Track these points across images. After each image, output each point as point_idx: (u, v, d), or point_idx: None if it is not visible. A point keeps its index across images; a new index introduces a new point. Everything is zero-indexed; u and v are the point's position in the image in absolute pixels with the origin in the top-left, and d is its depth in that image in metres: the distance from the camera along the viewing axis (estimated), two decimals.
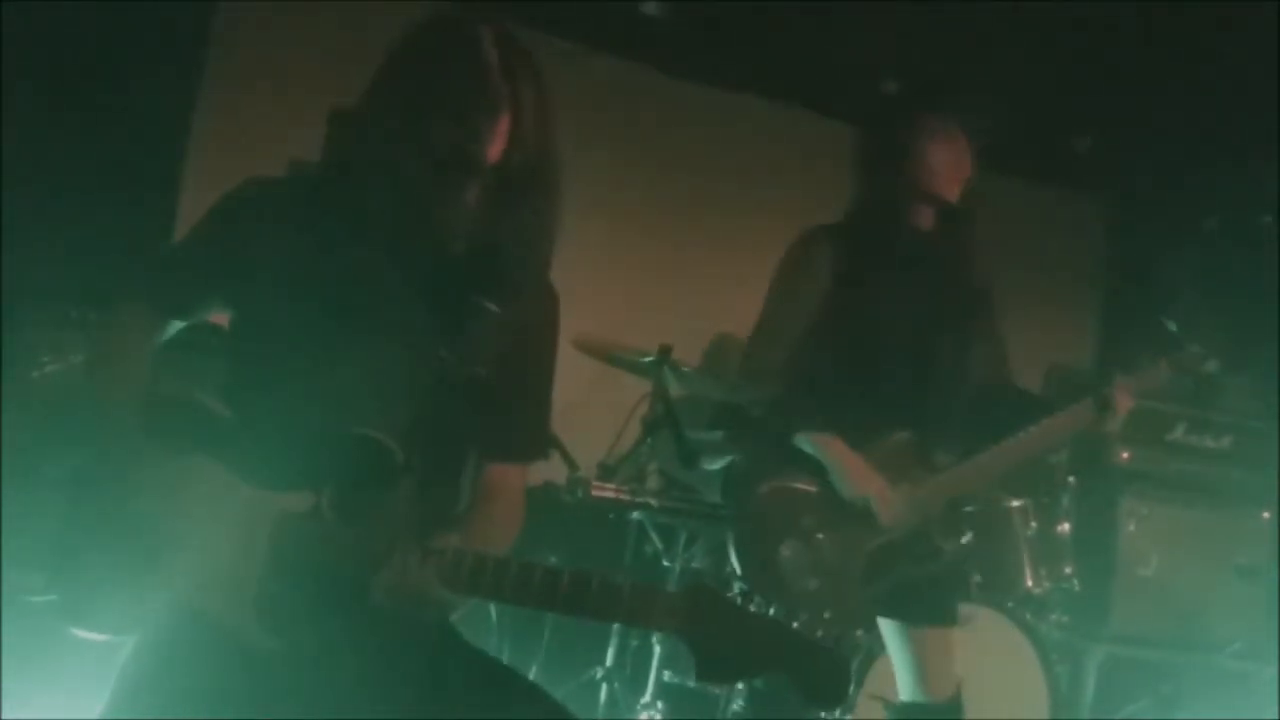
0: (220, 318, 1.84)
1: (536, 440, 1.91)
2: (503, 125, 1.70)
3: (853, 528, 2.53)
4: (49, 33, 3.64)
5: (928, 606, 2.64)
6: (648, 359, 3.78)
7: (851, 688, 2.92)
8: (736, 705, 3.41)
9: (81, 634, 1.63)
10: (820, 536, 2.52)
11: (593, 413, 3.97)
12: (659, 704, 3.56)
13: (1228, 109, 4.40)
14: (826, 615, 2.47)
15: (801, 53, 4.68)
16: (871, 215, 2.66)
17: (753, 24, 4.47)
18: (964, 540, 2.62)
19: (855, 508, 2.53)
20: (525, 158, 1.72)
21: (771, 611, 2.46)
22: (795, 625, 2.39)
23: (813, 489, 2.57)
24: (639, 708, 3.57)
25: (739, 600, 1.57)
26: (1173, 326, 2.75)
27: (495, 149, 1.70)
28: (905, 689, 2.67)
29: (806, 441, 2.57)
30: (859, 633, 2.84)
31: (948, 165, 2.62)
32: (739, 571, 2.56)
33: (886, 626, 2.67)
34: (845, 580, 2.51)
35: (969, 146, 2.64)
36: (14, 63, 3.46)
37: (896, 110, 2.71)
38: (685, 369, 3.82)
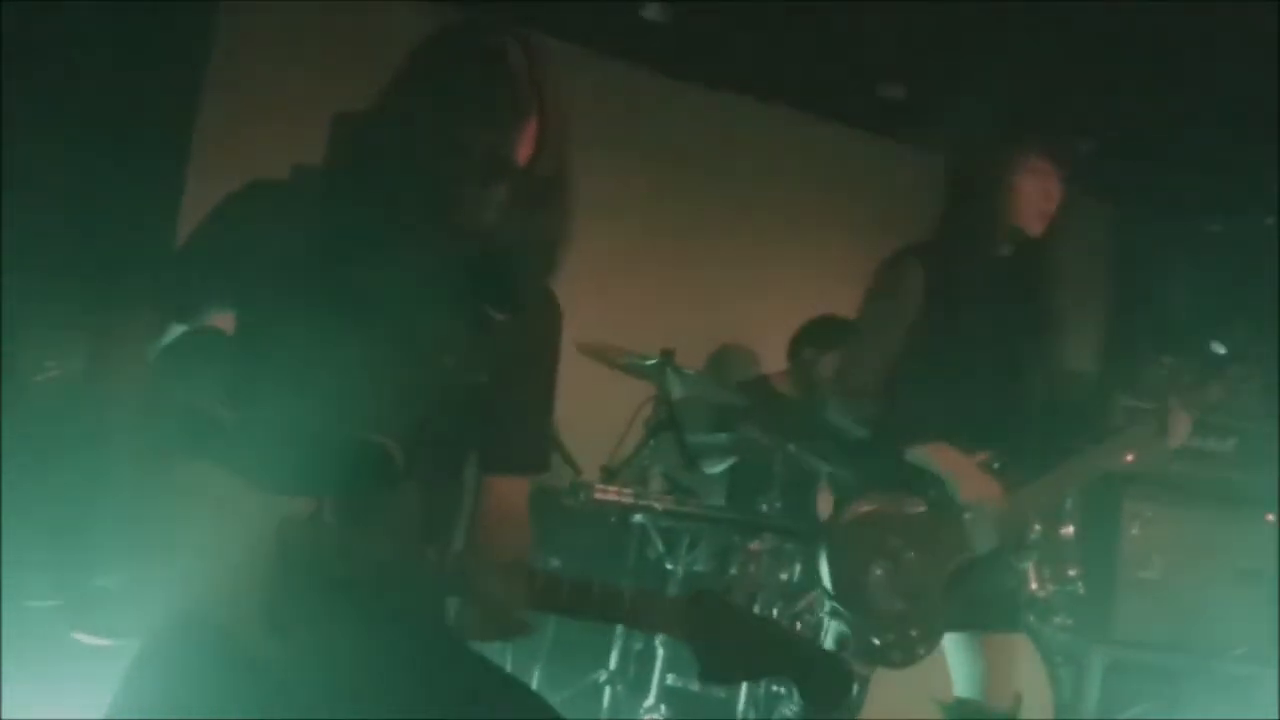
0: (223, 321, 1.84)
1: (538, 452, 1.90)
2: (530, 131, 1.72)
3: (938, 546, 2.60)
4: (52, 35, 3.65)
5: (998, 614, 2.70)
6: (650, 362, 3.79)
7: (854, 691, 2.93)
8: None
9: (83, 639, 1.63)
10: (909, 556, 2.59)
11: (595, 416, 3.96)
12: (662, 707, 3.56)
13: (1231, 112, 4.40)
14: (913, 633, 2.55)
15: (803, 56, 4.68)
16: (958, 242, 2.71)
17: (754, 27, 4.47)
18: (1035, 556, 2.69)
19: (944, 522, 2.59)
20: (548, 165, 1.74)
21: (857, 630, 2.54)
22: (879, 642, 2.49)
23: (901, 509, 2.63)
24: (642, 711, 3.57)
25: (745, 606, 1.57)
26: (1221, 349, 2.83)
27: (524, 153, 1.71)
28: (965, 690, 2.71)
29: (917, 454, 2.62)
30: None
31: (1035, 199, 2.69)
32: (831, 592, 2.61)
33: (953, 636, 2.71)
34: (929, 598, 2.58)
35: (1058, 179, 2.70)
36: (17, 65, 3.47)
37: (993, 142, 2.75)
38: (688, 372, 3.82)
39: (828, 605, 2.66)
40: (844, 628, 2.59)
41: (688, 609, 1.56)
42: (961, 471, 2.60)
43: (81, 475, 1.68)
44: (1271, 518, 4.21)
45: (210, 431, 1.70)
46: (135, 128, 3.81)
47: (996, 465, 2.67)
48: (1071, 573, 3.53)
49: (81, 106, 3.68)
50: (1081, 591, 3.56)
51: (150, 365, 1.81)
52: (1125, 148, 5.00)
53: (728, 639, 1.54)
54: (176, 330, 1.86)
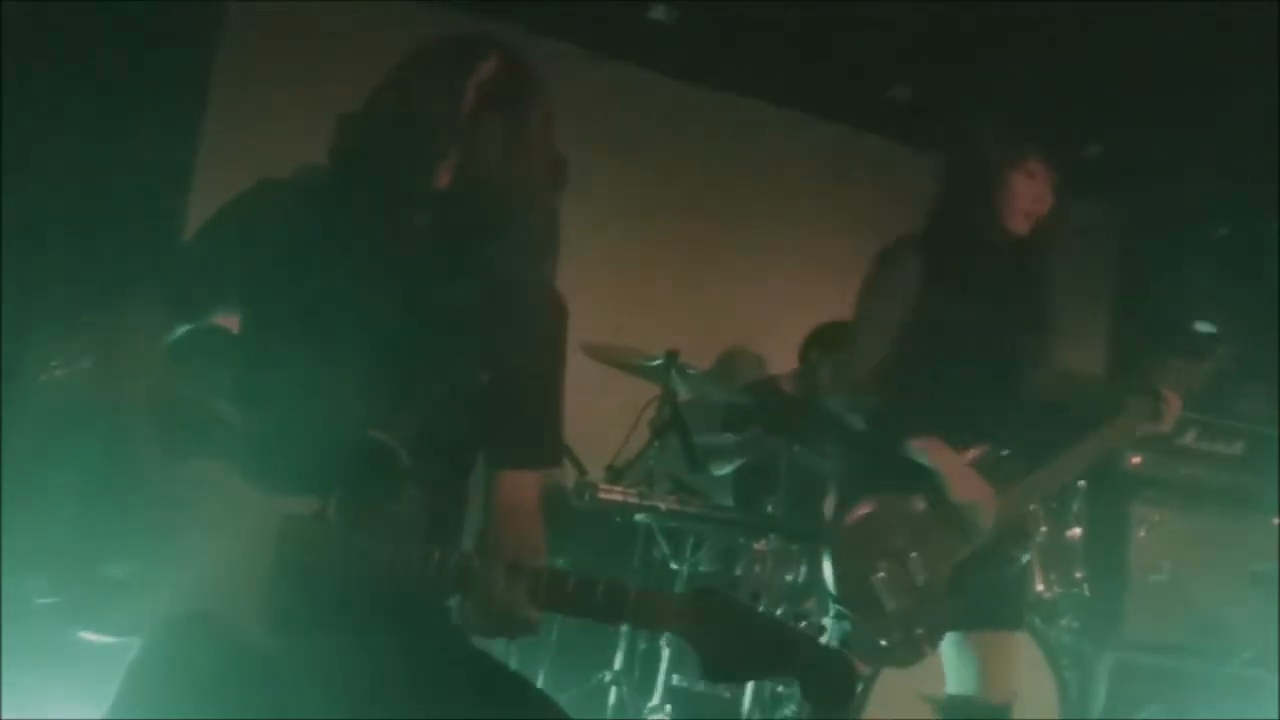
0: (229, 320, 1.84)
1: (550, 447, 1.90)
2: (449, 156, 1.71)
3: (940, 542, 2.59)
4: (58, 33, 3.65)
5: (999, 611, 2.69)
6: (655, 362, 3.79)
7: (858, 689, 2.92)
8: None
9: (87, 636, 1.63)
10: (913, 555, 2.58)
11: (600, 416, 3.96)
12: (667, 707, 3.55)
13: (1237, 115, 4.39)
14: (918, 632, 2.54)
15: (809, 58, 4.68)
16: (949, 236, 2.72)
17: (760, 29, 4.47)
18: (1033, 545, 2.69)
19: (944, 518, 2.58)
20: (471, 189, 1.72)
21: (863, 632, 2.54)
22: (885, 644, 2.48)
23: (902, 506, 2.63)
24: (647, 711, 3.56)
25: (750, 604, 1.56)
26: (1207, 328, 2.82)
27: (443, 178, 1.71)
28: (959, 686, 2.70)
29: (910, 448, 2.61)
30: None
31: (1024, 200, 2.69)
32: (834, 594, 2.61)
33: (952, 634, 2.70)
34: (932, 596, 2.58)
35: (1051, 183, 2.72)
36: (22, 63, 3.47)
37: (990, 143, 2.76)
38: (693, 372, 3.82)
39: (832, 608, 2.67)
40: (848, 629, 2.59)
41: (692, 607, 1.55)
42: (952, 469, 2.59)
43: (87, 473, 1.69)
44: (1278, 521, 4.20)
45: (216, 430, 1.70)
46: (142, 125, 3.81)
47: (999, 455, 2.66)
48: (1078, 575, 3.53)
49: (88, 103, 3.68)
50: (1088, 594, 3.56)
51: (157, 363, 1.81)
52: (1131, 151, 4.99)
53: (732, 637, 1.53)
54: (183, 328, 1.86)
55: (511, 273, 1.77)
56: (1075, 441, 2.69)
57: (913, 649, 2.54)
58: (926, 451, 2.60)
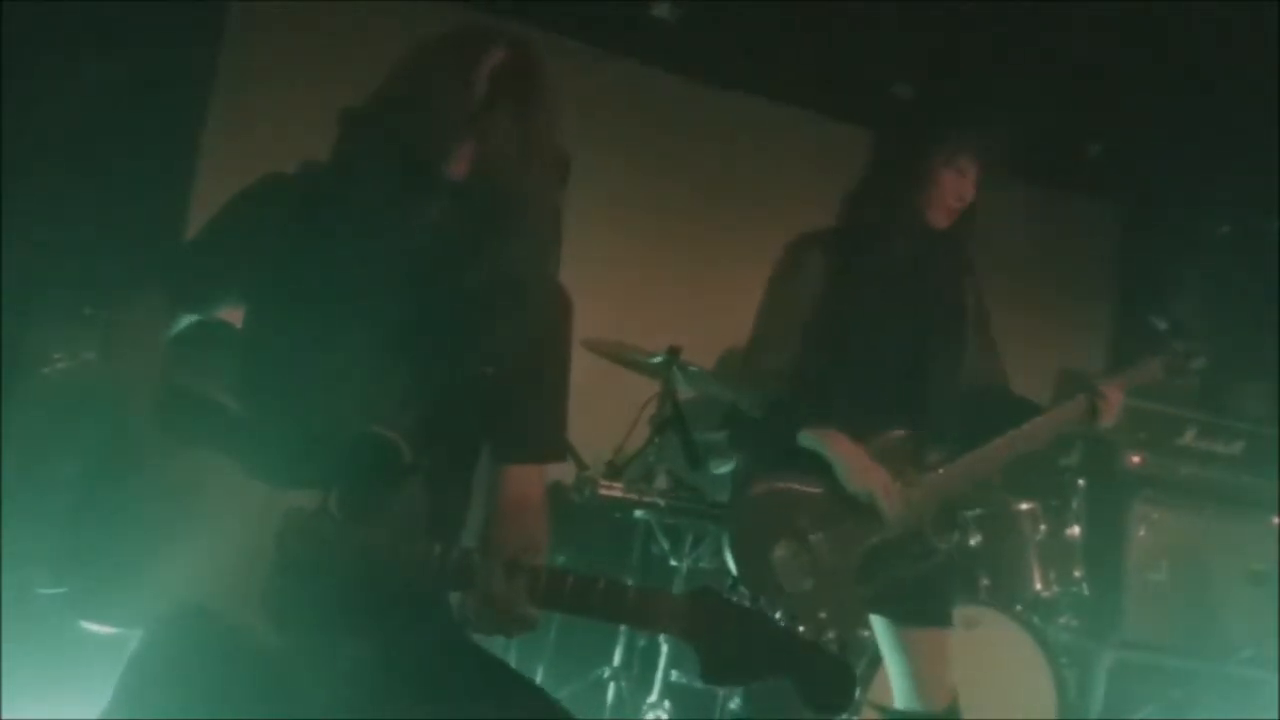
0: (233, 313, 1.85)
1: (554, 441, 1.91)
2: (466, 148, 1.70)
3: (848, 527, 2.53)
4: (61, 28, 3.66)
5: (922, 607, 2.64)
6: (656, 359, 3.79)
7: (857, 693, 2.91)
8: (734, 704, 3.40)
9: (90, 627, 1.64)
10: (815, 536, 2.52)
11: (601, 412, 3.96)
12: (666, 704, 3.56)
13: (1240, 114, 4.39)
14: (822, 615, 2.46)
15: (812, 56, 4.68)
16: (864, 228, 2.67)
17: (763, 26, 4.47)
18: (964, 540, 2.64)
19: (854, 504, 2.53)
20: (482, 186, 1.72)
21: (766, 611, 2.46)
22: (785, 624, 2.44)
23: (807, 489, 2.57)
24: (646, 707, 3.57)
25: (743, 602, 1.56)
26: (1161, 325, 2.78)
27: (459, 170, 1.71)
28: (900, 696, 2.66)
29: (809, 437, 2.56)
30: (865, 634, 2.83)
31: (950, 197, 2.64)
32: (734, 571, 2.55)
33: (882, 632, 2.66)
34: (840, 580, 2.51)
35: (977, 172, 2.65)
36: (24, 58, 3.48)
37: (915, 133, 2.70)
38: (694, 369, 3.82)
39: (729, 584, 2.58)
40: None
41: (690, 607, 1.55)
42: (849, 458, 2.52)
43: (90, 464, 1.69)
44: (1278, 520, 4.21)
45: (219, 422, 1.71)
46: (145, 121, 3.82)
47: (913, 444, 2.61)
48: (1076, 574, 3.52)
49: (91, 100, 3.69)
50: (1087, 593, 3.56)
51: (161, 356, 1.81)
52: (1131, 151, 4.99)
53: (729, 638, 1.54)
54: (188, 322, 1.87)
55: (519, 265, 1.77)
56: (999, 435, 2.61)
57: (816, 631, 2.45)
58: (822, 441, 2.55)
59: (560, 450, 1.92)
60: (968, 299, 2.75)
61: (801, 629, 2.37)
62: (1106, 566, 3.99)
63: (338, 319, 1.72)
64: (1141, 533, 4.16)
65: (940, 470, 2.61)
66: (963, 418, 2.71)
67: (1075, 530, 3.57)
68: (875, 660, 3.04)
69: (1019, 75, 4.32)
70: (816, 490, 2.56)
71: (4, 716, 2.49)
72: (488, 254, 1.74)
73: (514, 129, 1.70)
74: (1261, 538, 4.19)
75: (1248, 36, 3.90)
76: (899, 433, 2.61)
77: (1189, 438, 4.31)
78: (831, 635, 2.48)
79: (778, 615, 2.38)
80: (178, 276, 1.84)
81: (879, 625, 2.66)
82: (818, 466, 2.57)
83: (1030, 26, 4.14)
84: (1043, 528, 3.49)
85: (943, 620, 2.68)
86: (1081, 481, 3.66)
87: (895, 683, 2.65)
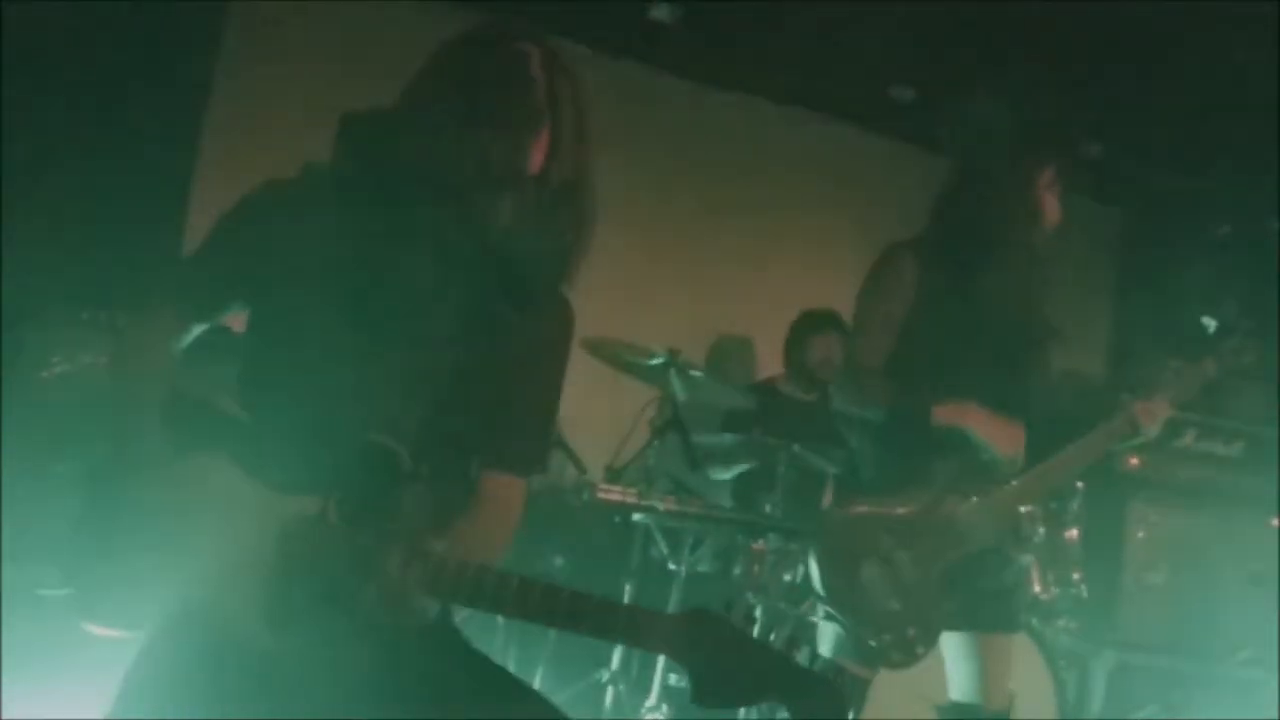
0: (236, 320, 1.85)
1: (536, 453, 1.90)
2: (543, 140, 1.72)
3: (928, 544, 2.58)
4: (60, 34, 3.66)
5: (996, 614, 2.69)
6: (656, 362, 3.79)
7: (850, 716, 2.91)
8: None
9: (93, 629, 1.64)
10: (899, 555, 2.56)
11: (601, 415, 3.97)
12: (663, 707, 3.56)
13: (1240, 116, 4.39)
14: (910, 633, 2.52)
15: (811, 56, 4.68)
16: (958, 247, 2.71)
17: (761, 27, 4.47)
18: (1033, 548, 2.68)
19: (933, 522, 2.57)
20: (562, 173, 1.75)
21: (853, 632, 2.52)
22: (875, 644, 2.47)
23: (889, 509, 2.61)
24: (643, 711, 3.57)
25: (743, 618, 1.55)
26: (1211, 324, 2.81)
27: (537, 161, 1.72)
28: (960, 692, 2.70)
29: (942, 416, 2.60)
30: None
31: (1045, 210, 2.73)
32: (822, 594, 2.59)
33: (954, 637, 2.70)
34: (924, 597, 2.56)
35: (1061, 193, 2.74)
36: (25, 63, 3.48)
37: (1014, 157, 2.76)
38: (693, 372, 3.82)
39: (820, 609, 2.64)
40: (839, 630, 2.56)
41: (683, 628, 1.54)
42: (993, 427, 2.59)
43: (92, 467, 1.69)
44: (1277, 521, 4.21)
45: (221, 428, 1.71)
46: (144, 127, 3.82)
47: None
48: (1075, 576, 3.52)
49: (90, 105, 3.69)
50: (1086, 594, 3.56)
51: (164, 361, 1.81)
52: (1133, 151, 4.99)
53: (723, 662, 1.53)
54: (192, 328, 1.87)
55: (545, 268, 1.78)
56: (1068, 444, 2.68)
57: (905, 650, 2.52)
58: (963, 417, 2.59)
59: (541, 462, 1.91)
60: (1044, 315, 2.84)
61: (892, 649, 2.48)
62: (1105, 568, 3.99)
63: (341, 325, 1.71)
64: (1140, 534, 4.16)
65: (1013, 483, 2.65)
66: (1032, 429, 2.75)
67: (1074, 532, 3.56)
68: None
69: (1018, 75, 4.31)
70: (897, 509, 2.60)
71: (5, 717, 2.49)
72: (505, 263, 1.73)
73: (574, 120, 1.73)
74: (1260, 539, 4.19)
75: (1248, 37, 3.90)
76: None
77: (1188, 439, 4.31)
78: (921, 651, 2.54)
79: (870, 638, 2.47)
80: (182, 285, 1.84)
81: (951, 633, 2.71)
82: (932, 461, 2.61)
83: (1030, 27, 4.15)
84: (1041, 530, 3.48)
85: (1015, 625, 2.76)
86: (1080, 483, 3.65)
87: (958, 682, 2.69)
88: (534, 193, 1.73)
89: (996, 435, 2.60)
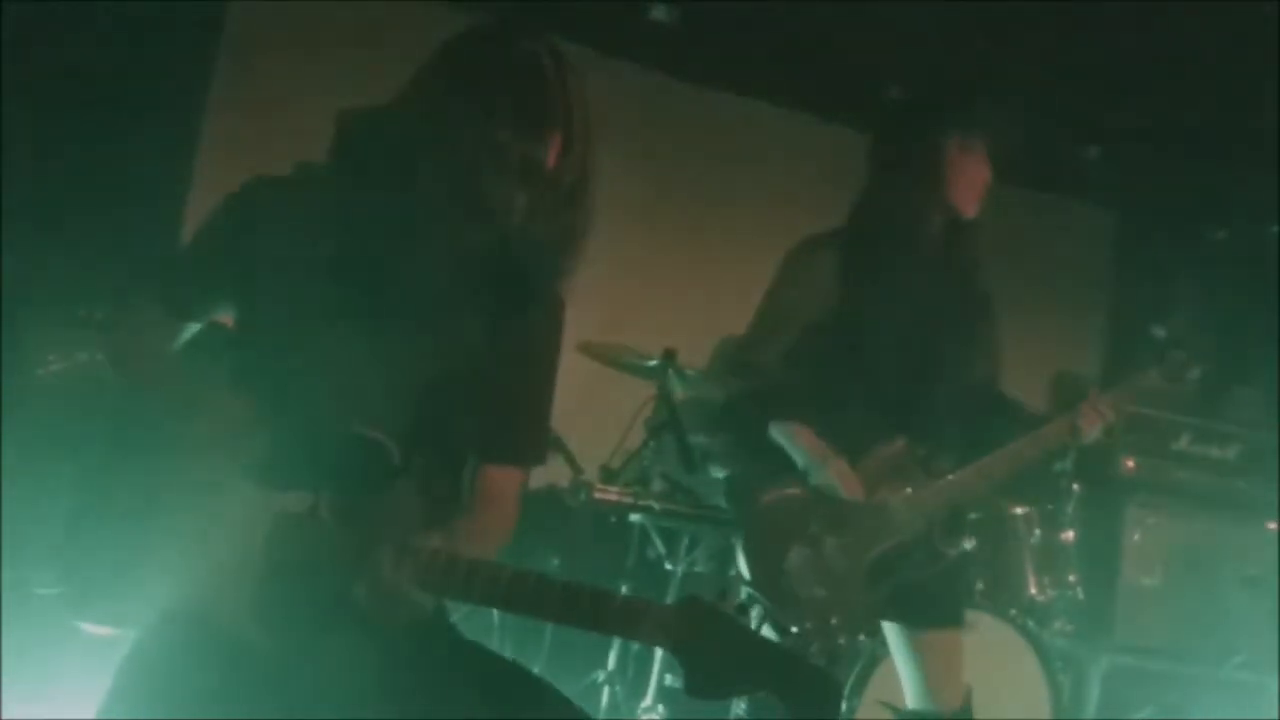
0: (227, 317, 1.85)
1: (536, 445, 1.90)
2: (558, 140, 1.72)
3: (857, 533, 2.53)
4: (59, 31, 3.66)
5: (932, 609, 2.64)
6: (652, 362, 3.79)
7: (843, 708, 2.90)
8: (740, 709, 3.40)
9: (87, 628, 1.64)
10: (827, 542, 2.51)
11: (597, 416, 3.96)
12: (660, 708, 3.56)
13: (1236, 120, 4.40)
14: (833, 621, 2.46)
15: (808, 57, 4.68)
16: (884, 223, 2.65)
17: (759, 28, 4.47)
18: (966, 545, 2.62)
19: (862, 510, 2.52)
20: (572, 172, 1.75)
21: (775, 617, 2.45)
22: (796, 630, 2.41)
23: (820, 494, 2.56)
24: (640, 711, 3.57)
25: (736, 609, 1.55)
26: (1160, 333, 2.79)
27: (550, 161, 1.72)
28: (913, 697, 2.65)
29: (775, 429, 2.57)
30: (861, 637, 2.82)
31: (969, 179, 2.63)
32: (747, 578, 2.55)
33: (893, 634, 2.66)
34: (850, 586, 2.50)
35: (988, 159, 2.65)
36: (22, 61, 3.48)
37: (923, 121, 2.69)
38: (690, 372, 3.82)
39: (744, 591, 2.57)
40: (763, 614, 2.47)
41: (676, 617, 1.54)
42: (811, 451, 2.53)
43: (86, 466, 1.69)
44: (1273, 525, 4.22)
45: (211, 425, 1.70)
46: (141, 125, 3.82)
47: (919, 452, 2.60)
48: (1071, 578, 3.53)
49: (88, 103, 3.69)
50: (1081, 597, 3.56)
51: (155, 362, 1.81)
52: (1129, 155, 5.00)
53: (716, 651, 1.52)
54: (186, 327, 1.86)
55: (549, 266, 1.78)
56: (1008, 441, 2.61)
57: (827, 638, 2.45)
58: (786, 433, 2.55)
59: (541, 454, 1.91)
60: (980, 296, 2.75)
61: (808, 634, 2.42)
62: (1101, 571, 3.99)
63: (331, 321, 1.71)
64: (1136, 537, 4.16)
65: (948, 477, 2.60)
66: (966, 422, 2.71)
67: (1070, 535, 3.58)
68: (872, 661, 3.05)
69: (1014, 79, 4.33)
70: (831, 495, 2.55)
71: (4, 717, 2.48)
72: (504, 260, 1.73)
73: (585, 122, 1.74)
74: (1256, 542, 4.20)
75: (1246, 40, 3.91)
76: (901, 440, 2.60)
77: (1184, 442, 4.32)
78: (842, 641, 2.49)
79: (791, 624, 2.41)
80: (170, 282, 1.84)
81: (890, 630, 2.66)
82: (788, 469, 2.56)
83: (1026, 30, 4.15)
84: (1037, 532, 3.49)
85: (955, 620, 2.68)
86: (1076, 486, 3.66)
87: (908, 685, 2.65)
88: (548, 191, 1.73)
89: (814, 460, 2.53)
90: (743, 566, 2.56)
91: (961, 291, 2.71)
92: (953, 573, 2.67)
